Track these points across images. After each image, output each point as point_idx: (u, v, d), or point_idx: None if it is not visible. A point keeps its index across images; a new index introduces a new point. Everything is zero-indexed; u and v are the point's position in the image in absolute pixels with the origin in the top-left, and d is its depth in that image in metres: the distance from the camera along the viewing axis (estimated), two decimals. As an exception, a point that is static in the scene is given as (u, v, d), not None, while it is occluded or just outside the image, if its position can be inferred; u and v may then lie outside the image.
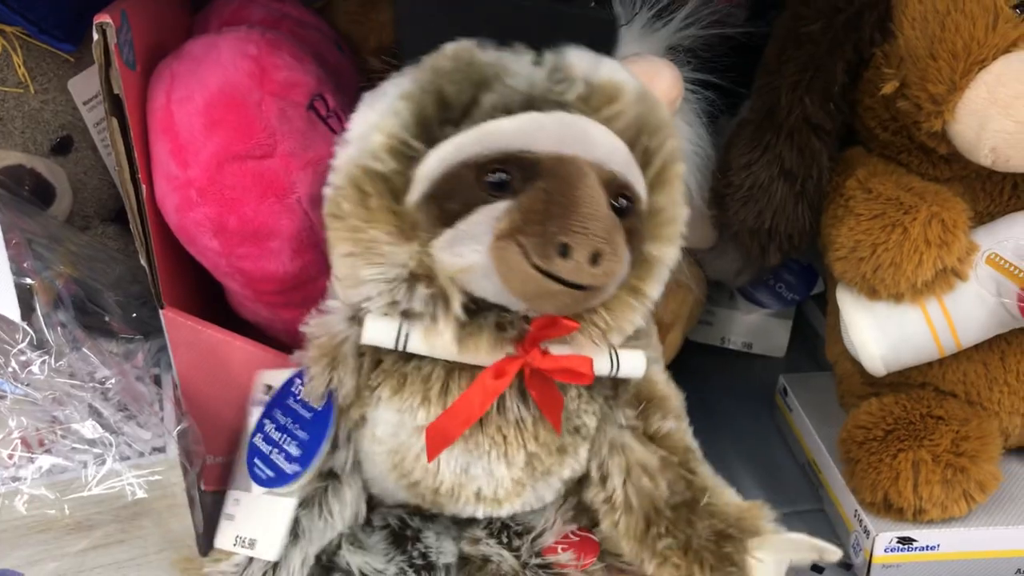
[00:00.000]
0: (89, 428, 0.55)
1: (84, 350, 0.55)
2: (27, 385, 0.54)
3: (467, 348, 0.51)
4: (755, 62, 0.66)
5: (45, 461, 0.55)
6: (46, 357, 0.53)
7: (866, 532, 0.61)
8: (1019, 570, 0.61)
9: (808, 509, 0.63)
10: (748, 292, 0.84)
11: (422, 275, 0.50)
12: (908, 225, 0.58)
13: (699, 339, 0.86)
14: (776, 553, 0.55)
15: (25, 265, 0.57)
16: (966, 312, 0.60)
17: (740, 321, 0.87)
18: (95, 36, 0.54)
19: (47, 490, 0.55)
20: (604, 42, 0.55)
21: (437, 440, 0.52)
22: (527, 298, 0.49)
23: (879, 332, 0.61)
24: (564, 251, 0.46)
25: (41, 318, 0.54)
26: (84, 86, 0.66)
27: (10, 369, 0.53)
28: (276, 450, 0.56)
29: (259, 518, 0.56)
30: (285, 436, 0.56)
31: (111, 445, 0.56)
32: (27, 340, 0.53)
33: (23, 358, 0.53)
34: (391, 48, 0.60)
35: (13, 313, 0.52)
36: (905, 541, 0.60)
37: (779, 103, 0.62)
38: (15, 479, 0.55)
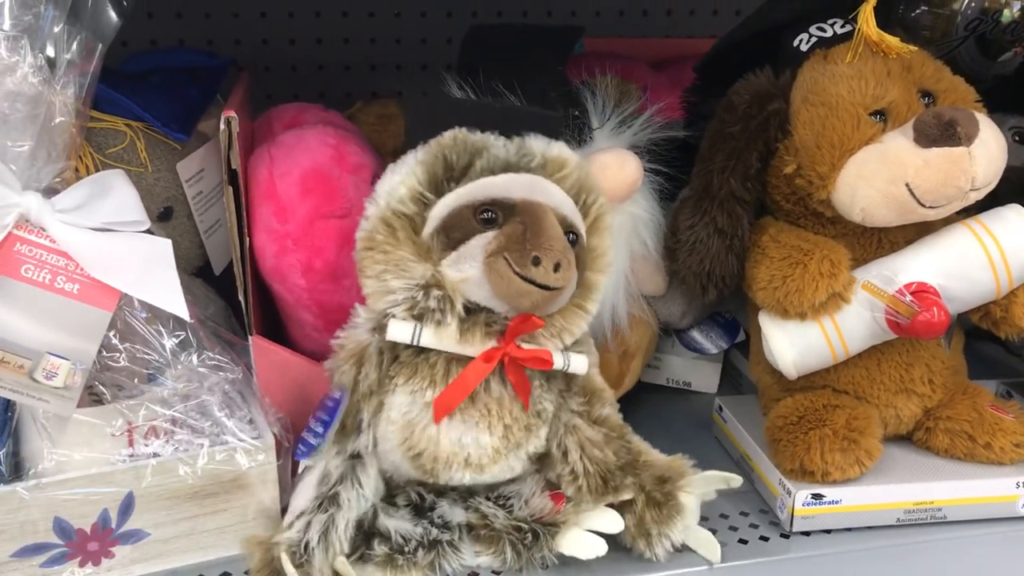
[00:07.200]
0: (211, 413, 0.68)
1: (214, 353, 0.68)
2: (176, 379, 0.66)
3: (465, 339, 0.65)
4: (691, 157, 0.79)
5: (176, 440, 0.67)
6: (191, 354, 0.66)
7: (788, 492, 0.73)
8: (898, 519, 0.74)
9: (743, 491, 0.79)
10: (687, 340, 0.96)
11: (434, 285, 0.64)
12: (807, 263, 0.72)
13: (649, 380, 0.99)
14: (698, 489, 0.69)
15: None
16: (851, 326, 0.73)
17: (681, 365, 0.99)
18: (222, 127, 0.69)
19: (176, 464, 0.66)
20: (551, 132, 0.70)
21: (442, 406, 0.66)
22: (510, 298, 0.63)
23: (790, 344, 0.75)
24: (536, 261, 0.61)
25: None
26: (187, 168, 0.79)
27: (162, 363, 0.66)
28: (310, 434, 0.67)
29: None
30: (315, 424, 0.67)
31: (225, 429, 0.68)
32: (177, 340, 0.66)
33: (172, 355, 0.66)
34: (402, 150, 0.70)
35: (183, 313, 0.64)
36: (817, 497, 0.72)
37: (712, 182, 0.76)
38: (155, 455, 0.66)
